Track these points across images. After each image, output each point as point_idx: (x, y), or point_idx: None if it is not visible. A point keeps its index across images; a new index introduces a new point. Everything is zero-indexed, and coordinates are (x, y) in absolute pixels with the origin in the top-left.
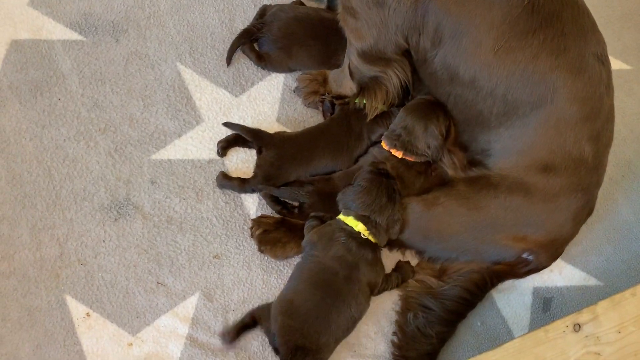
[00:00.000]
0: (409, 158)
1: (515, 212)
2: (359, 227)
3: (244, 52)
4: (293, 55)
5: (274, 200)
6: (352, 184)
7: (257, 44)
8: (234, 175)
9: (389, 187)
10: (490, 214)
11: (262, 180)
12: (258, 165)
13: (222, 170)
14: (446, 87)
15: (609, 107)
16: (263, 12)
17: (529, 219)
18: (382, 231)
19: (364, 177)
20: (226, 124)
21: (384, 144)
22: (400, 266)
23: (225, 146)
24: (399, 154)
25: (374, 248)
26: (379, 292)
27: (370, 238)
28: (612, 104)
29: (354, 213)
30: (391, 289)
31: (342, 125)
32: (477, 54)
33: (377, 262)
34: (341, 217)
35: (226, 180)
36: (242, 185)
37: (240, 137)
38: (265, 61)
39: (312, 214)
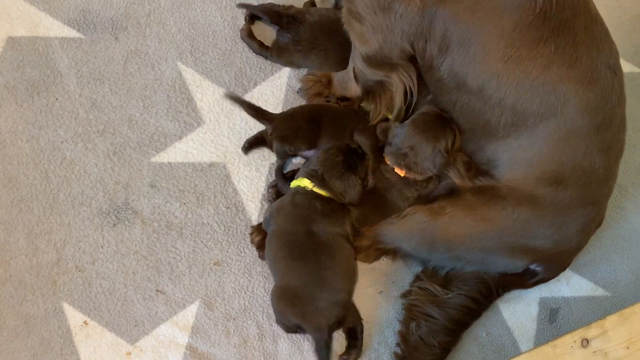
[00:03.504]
0: (412, 176)
1: (524, 224)
2: (303, 182)
3: (243, 39)
4: (309, 59)
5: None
6: None
7: (276, 32)
8: (237, 180)
9: (350, 153)
10: (498, 225)
11: (278, 139)
12: (273, 129)
13: (224, 172)
14: (452, 94)
15: (621, 118)
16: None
17: (538, 232)
18: (332, 189)
19: (329, 145)
20: (229, 96)
21: (387, 160)
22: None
23: (248, 147)
24: (402, 173)
25: (324, 200)
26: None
27: (316, 190)
28: (623, 114)
29: (302, 172)
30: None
31: (349, 108)
32: (485, 63)
33: (331, 213)
34: (291, 185)
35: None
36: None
37: (260, 138)
38: (270, 50)
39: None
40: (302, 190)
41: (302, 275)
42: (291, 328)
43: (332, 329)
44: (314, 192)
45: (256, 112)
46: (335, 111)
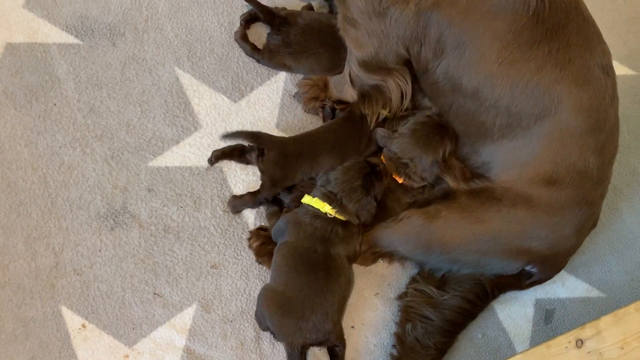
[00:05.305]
0: (409, 184)
1: (519, 225)
2: (325, 208)
3: (237, 41)
4: (301, 62)
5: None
6: None
7: (267, 34)
8: (233, 184)
9: (369, 175)
10: (493, 227)
11: (270, 185)
12: (263, 171)
13: (220, 176)
14: (448, 97)
15: (614, 119)
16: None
17: (533, 232)
18: (350, 213)
19: (351, 160)
20: (225, 135)
21: (388, 167)
22: None
23: (219, 156)
24: (400, 180)
25: (345, 224)
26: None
27: (338, 216)
28: (617, 115)
29: (319, 193)
30: None
31: (352, 126)
32: (480, 65)
33: (352, 237)
34: (305, 200)
35: (238, 201)
36: (253, 198)
37: (235, 150)
38: (261, 54)
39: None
40: (323, 216)
41: (303, 289)
42: (265, 327)
43: (305, 349)
44: (336, 219)
45: (252, 137)
46: (340, 131)
